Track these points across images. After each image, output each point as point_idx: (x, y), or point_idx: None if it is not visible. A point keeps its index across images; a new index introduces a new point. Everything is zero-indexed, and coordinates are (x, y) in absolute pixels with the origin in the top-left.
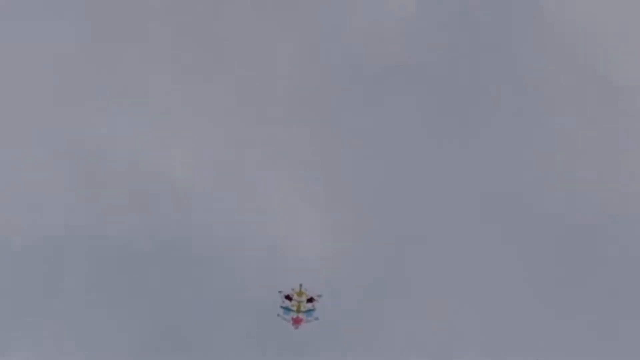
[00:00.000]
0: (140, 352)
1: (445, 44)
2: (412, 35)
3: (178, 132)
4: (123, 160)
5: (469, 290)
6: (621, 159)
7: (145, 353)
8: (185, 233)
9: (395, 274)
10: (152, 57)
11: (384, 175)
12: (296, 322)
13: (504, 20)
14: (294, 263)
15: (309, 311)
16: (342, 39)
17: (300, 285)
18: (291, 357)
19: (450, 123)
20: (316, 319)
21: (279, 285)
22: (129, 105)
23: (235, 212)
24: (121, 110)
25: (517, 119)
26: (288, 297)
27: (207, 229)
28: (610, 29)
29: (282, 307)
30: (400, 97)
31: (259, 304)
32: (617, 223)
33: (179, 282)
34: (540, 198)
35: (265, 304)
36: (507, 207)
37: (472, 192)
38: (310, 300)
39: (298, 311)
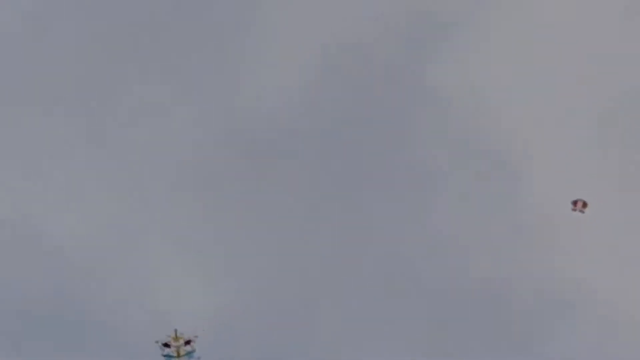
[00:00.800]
0: None
1: (335, 112)
2: (303, 103)
3: (66, 199)
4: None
5: None
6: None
7: None
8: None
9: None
10: None
11: (273, 245)
12: None
13: (396, 95)
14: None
15: (188, 353)
16: (235, 107)
17: (175, 331)
18: None
19: (339, 192)
20: (198, 358)
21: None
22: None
23: (122, 278)
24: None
25: (405, 192)
26: (166, 345)
27: (92, 294)
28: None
29: (163, 355)
30: (289, 167)
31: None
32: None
33: (61, 344)
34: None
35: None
36: (396, 275)
37: (363, 262)
38: (187, 342)
39: (178, 356)
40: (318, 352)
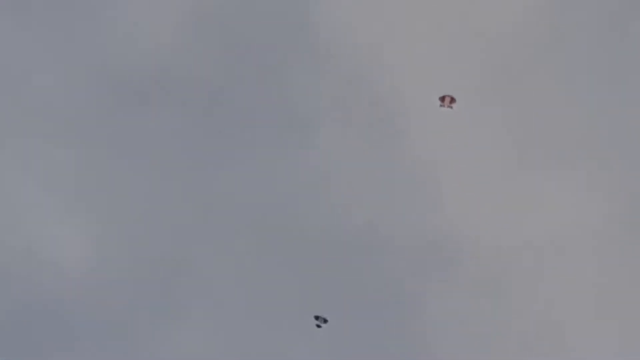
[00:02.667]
0: None
1: (215, 65)
2: (176, 46)
3: None
4: None
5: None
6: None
7: None
8: None
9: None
10: None
11: (144, 189)
12: None
13: (273, 41)
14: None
15: None
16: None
17: None
18: None
19: (215, 145)
20: None
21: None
22: None
23: None
24: None
25: (279, 138)
26: None
27: None
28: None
29: None
30: (170, 116)
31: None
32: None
33: None
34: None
35: None
36: (267, 222)
37: (234, 210)
38: None
39: None
40: (191, 298)
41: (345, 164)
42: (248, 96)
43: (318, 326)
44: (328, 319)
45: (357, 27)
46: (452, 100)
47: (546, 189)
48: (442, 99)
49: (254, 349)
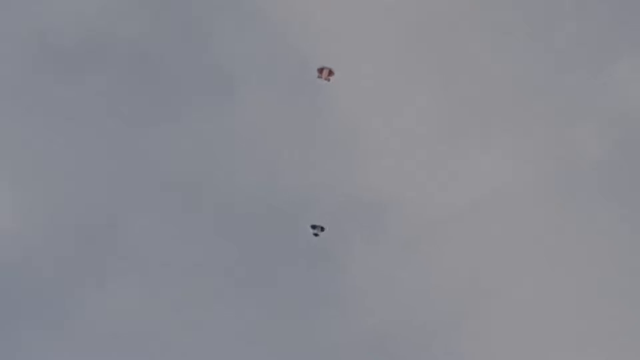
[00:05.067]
0: None
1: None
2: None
3: None
4: None
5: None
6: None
7: None
8: None
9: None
10: None
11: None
12: None
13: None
14: None
15: None
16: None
17: None
18: None
19: (140, 105)
20: None
21: None
22: None
23: None
24: None
25: (205, 97)
26: None
27: None
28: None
29: None
30: (94, 76)
31: None
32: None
33: None
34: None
35: None
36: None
37: (161, 170)
38: None
39: None
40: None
41: (270, 123)
42: (175, 55)
43: (315, 235)
44: (325, 227)
45: None
46: (331, 72)
47: (473, 154)
48: (320, 70)
49: (183, 312)
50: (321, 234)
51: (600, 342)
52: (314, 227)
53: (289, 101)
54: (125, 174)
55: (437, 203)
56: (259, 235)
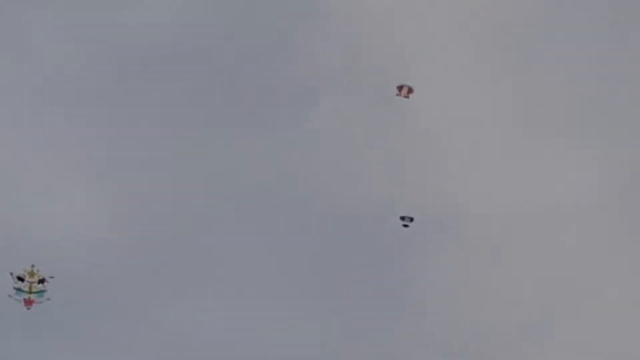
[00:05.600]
0: None
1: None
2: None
3: None
4: None
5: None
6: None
7: None
8: None
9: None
10: None
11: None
12: (27, 303)
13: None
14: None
15: (40, 292)
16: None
17: (32, 266)
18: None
19: (223, 112)
20: (48, 299)
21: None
22: None
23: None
24: None
25: (285, 106)
26: (20, 279)
27: None
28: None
29: (14, 287)
30: (179, 84)
31: None
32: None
33: None
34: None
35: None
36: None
37: (242, 182)
38: (41, 281)
39: (30, 292)
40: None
41: (348, 132)
42: (253, 65)
43: (405, 226)
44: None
45: None
46: (410, 90)
47: (548, 158)
48: (400, 88)
49: (268, 316)
50: (410, 224)
51: None
52: (403, 218)
53: (367, 109)
54: (209, 185)
55: (518, 210)
56: (341, 239)
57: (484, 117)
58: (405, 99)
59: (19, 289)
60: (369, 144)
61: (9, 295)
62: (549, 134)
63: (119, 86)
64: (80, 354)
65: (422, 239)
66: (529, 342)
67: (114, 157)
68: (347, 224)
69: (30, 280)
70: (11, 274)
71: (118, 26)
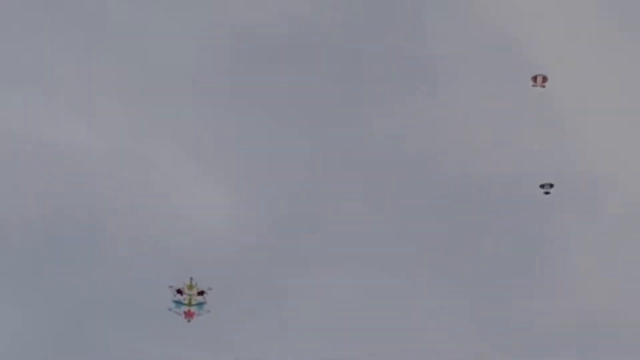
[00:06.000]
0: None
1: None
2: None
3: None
4: None
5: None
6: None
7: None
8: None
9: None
10: None
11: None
12: (188, 315)
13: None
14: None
15: (200, 304)
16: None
17: (191, 279)
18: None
19: (350, 90)
20: (208, 311)
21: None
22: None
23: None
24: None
25: (415, 86)
26: (179, 291)
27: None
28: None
29: (173, 301)
30: (295, 68)
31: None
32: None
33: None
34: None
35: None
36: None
37: (369, 162)
38: (200, 293)
39: (190, 304)
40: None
41: (476, 109)
42: (378, 47)
43: (547, 193)
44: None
45: None
46: (545, 79)
47: None
48: (534, 78)
49: (385, 301)
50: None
51: None
52: (542, 186)
53: (494, 86)
54: (335, 168)
55: None
56: (469, 217)
57: (621, 86)
58: (542, 88)
59: (178, 302)
60: (499, 122)
61: (169, 309)
62: None
63: (241, 74)
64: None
65: (558, 214)
66: None
67: (235, 144)
68: (478, 200)
69: (190, 292)
70: (170, 287)
71: (237, 14)
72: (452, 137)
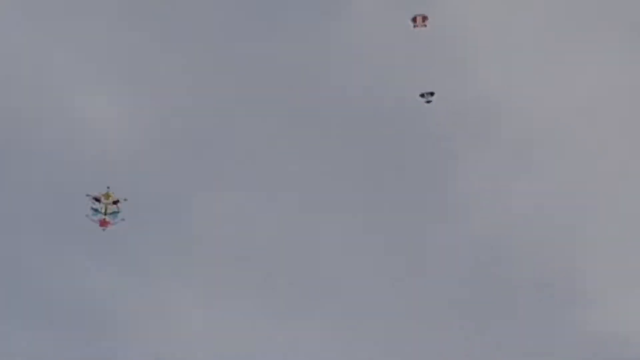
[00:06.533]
0: None
1: None
2: None
3: None
4: None
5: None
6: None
7: None
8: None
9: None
10: None
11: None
12: (103, 224)
13: None
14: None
15: (114, 213)
16: None
17: (108, 188)
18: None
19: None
20: (122, 220)
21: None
22: None
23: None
24: None
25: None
26: (96, 199)
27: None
28: None
29: (92, 208)
30: None
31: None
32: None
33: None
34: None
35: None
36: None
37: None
38: (115, 202)
39: (105, 213)
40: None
41: (377, 34)
42: None
43: (428, 102)
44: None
45: None
46: (425, 18)
47: (580, 56)
48: (414, 19)
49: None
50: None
51: None
52: (422, 95)
53: (396, 9)
54: (229, 89)
55: (547, 108)
56: (370, 143)
57: (518, 17)
58: (424, 28)
59: (95, 210)
60: (401, 46)
61: (86, 216)
62: (578, 34)
63: None
64: None
65: (455, 140)
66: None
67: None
68: (380, 125)
69: (106, 201)
70: (88, 195)
71: None
72: (353, 60)
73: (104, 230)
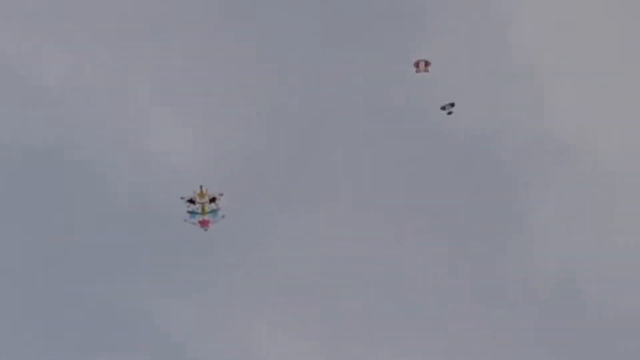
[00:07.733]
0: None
1: None
2: None
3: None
4: None
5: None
6: None
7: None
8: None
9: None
10: None
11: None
12: (203, 224)
13: None
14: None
15: (213, 211)
16: None
17: (201, 187)
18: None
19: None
20: (223, 217)
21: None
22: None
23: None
24: None
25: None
26: (191, 201)
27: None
28: None
29: (188, 212)
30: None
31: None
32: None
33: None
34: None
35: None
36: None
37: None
38: (213, 199)
39: (203, 213)
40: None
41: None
42: None
43: (449, 113)
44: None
45: None
46: (427, 63)
47: None
48: (417, 64)
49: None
50: (453, 109)
51: None
52: (443, 108)
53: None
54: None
55: (625, 144)
56: (441, 171)
57: (597, 48)
58: (426, 73)
59: (192, 212)
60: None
61: (184, 220)
62: None
63: None
64: None
65: (528, 173)
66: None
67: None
68: (451, 157)
69: (202, 201)
70: (182, 198)
71: None
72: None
73: (205, 230)
